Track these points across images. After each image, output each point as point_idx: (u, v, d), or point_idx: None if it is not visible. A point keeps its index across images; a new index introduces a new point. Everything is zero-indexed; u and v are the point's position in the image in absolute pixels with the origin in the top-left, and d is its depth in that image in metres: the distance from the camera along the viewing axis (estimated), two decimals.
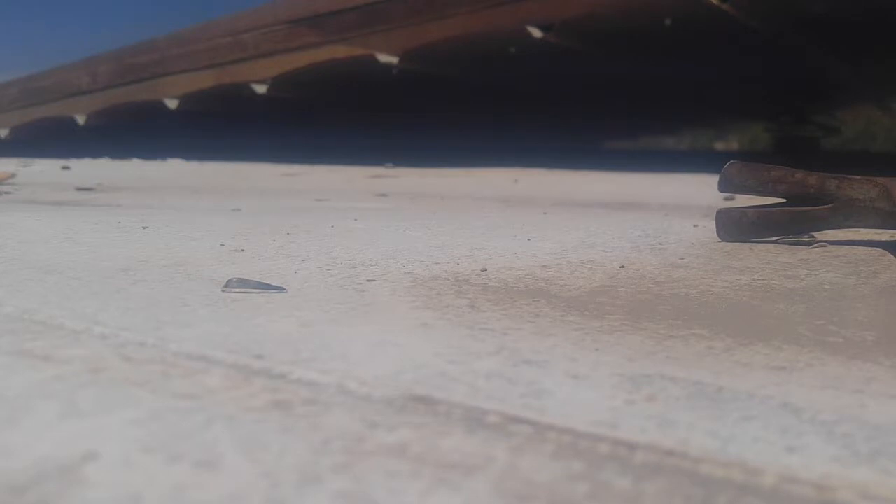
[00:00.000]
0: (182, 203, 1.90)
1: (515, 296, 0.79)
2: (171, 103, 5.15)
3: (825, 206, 1.09)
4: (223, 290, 0.80)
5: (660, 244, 1.14)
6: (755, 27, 3.83)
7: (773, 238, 1.14)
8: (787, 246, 1.11)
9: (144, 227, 1.29)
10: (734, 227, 1.15)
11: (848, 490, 0.37)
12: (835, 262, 0.99)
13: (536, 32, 3.76)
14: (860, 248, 1.08)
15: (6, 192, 2.30)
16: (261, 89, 4.79)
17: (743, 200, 1.27)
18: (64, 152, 4.84)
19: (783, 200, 1.14)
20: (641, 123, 7.55)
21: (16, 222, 1.35)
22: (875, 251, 1.06)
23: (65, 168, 3.87)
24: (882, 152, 6.62)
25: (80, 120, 5.73)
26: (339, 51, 4.33)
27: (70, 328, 0.65)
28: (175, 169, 4.06)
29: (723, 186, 1.16)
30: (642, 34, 3.91)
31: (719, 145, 8.56)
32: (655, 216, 1.55)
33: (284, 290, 0.81)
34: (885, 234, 1.16)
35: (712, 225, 1.18)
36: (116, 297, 0.76)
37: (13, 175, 2.93)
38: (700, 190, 2.02)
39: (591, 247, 1.11)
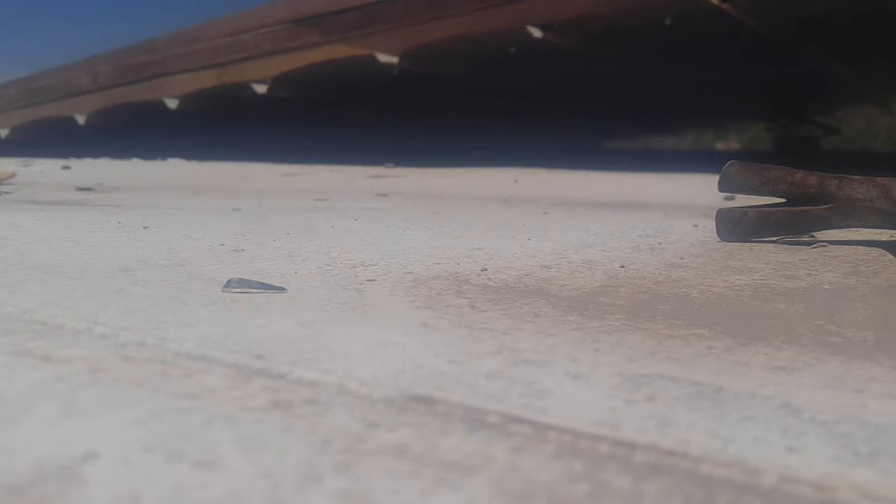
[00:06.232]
0: (182, 203, 1.90)
1: (515, 296, 0.79)
2: (171, 103, 5.15)
3: (825, 206, 1.09)
4: (223, 290, 0.80)
5: (660, 244, 1.14)
6: (755, 27, 3.83)
7: (773, 238, 1.14)
8: (787, 246, 1.11)
9: (145, 227, 1.29)
10: (734, 227, 1.15)
11: (848, 490, 0.37)
12: (835, 262, 0.99)
13: (536, 32, 3.75)
14: (860, 248, 1.08)
15: (6, 192, 2.30)
16: (261, 89, 4.78)
17: (743, 200, 1.27)
18: (64, 152, 4.84)
19: (783, 200, 1.14)
20: (641, 123, 7.55)
21: (16, 222, 1.35)
22: (875, 251, 1.06)
23: (65, 168, 3.87)
24: (882, 152, 6.62)
25: (81, 120, 5.73)
26: (339, 51, 4.33)
27: (70, 328, 0.65)
28: (175, 169, 4.06)
29: (723, 186, 1.16)
30: (642, 34, 3.91)
31: (719, 145, 8.56)
32: (655, 216, 1.54)
33: (284, 289, 0.81)
34: (885, 234, 1.16)
35: (712, 225, 1.18)
36: (116, 297, 0.76)
37: (13, 175, 2.93)
38: (700, 190, 2.02)
39: (591, 247, 1.11)
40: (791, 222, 1.12)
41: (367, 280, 0.87)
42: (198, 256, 1.01)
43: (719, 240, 1.15)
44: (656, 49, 4.24)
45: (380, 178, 3.02)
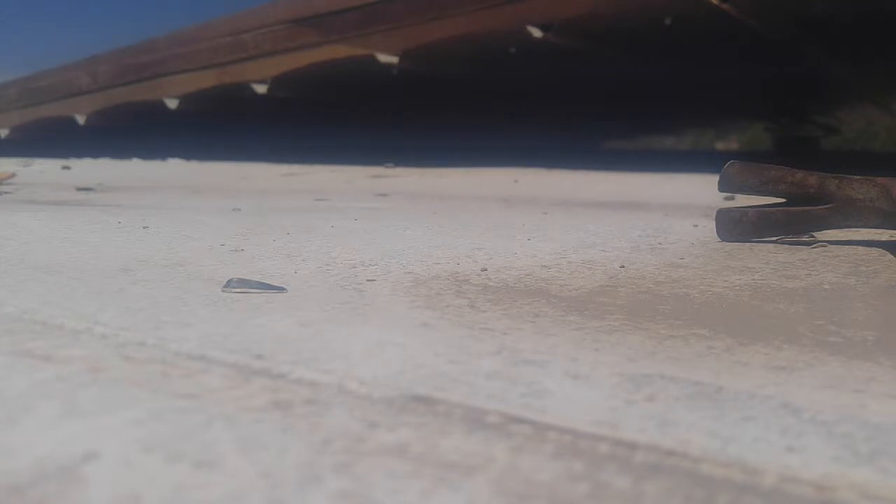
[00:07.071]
0: (182, 203, 1.90)
1: (515, 296, 0.79)
2: (171, 103, 5.15)
3: (825, 206, 1.09)
4: (223, 290, 0.80)
5: (660, 244, 1.14)
6: (755, 27, 3.83)
7: (773, 238, 1.14)
8: (787, 246, 1.11)
9: (144, 227, 1.29)
10: (734, 227, 1.15)
11: (848, 490, 0.37)
12: (835, 262, 0.99)
13: (536, 32, 3.75)
14: (860, 248, 1.08)
15: (6, 192, 2.30)
16: (261, 89, 4.78)
17: (743, 200, 1.27)
18: (64, 152, 4.84)
19: (783, 200, 1.14)
20: (641, 123, 7.55)
21: (16, 222, 1.35)
22: (875, 251, 1.06)
23: (65, 168, 3.87)
24: (882, 152, 6.62)
25: (81, 120, 5.73)
26: (339, 51, 4.33)
27: (70, 328, 0.65)
28: (175, 169, 4.06)
29: (723, 186, 1.16)
30: (642, 34, 3.91)
31: (719, 145, 8.55)
32: (655, 216, 1.54)
33: (285, 289, 0.81)
34: (885, 234, 1.16)
35: (712, 225, 1.18)
36: (116, 297, 0.76)
37: (13, 175, 2.92)
38: (700, 190, 2.02)
39: (591, 247, 1.11)
40: (791, 222, 1.12)
41: (367, 280, 0.87)
42: (198, 256, 1.01)
43: (719, 240, 1.15)
44: (656, 49, 4.24)
45: (380, 178, 3.01)
